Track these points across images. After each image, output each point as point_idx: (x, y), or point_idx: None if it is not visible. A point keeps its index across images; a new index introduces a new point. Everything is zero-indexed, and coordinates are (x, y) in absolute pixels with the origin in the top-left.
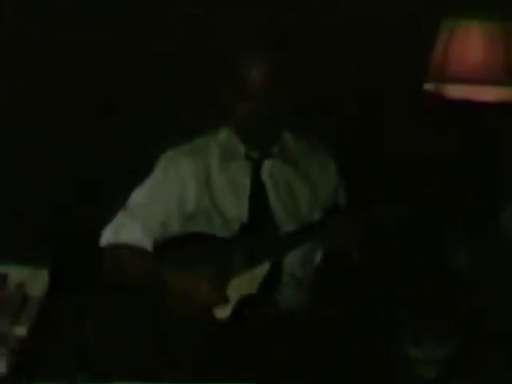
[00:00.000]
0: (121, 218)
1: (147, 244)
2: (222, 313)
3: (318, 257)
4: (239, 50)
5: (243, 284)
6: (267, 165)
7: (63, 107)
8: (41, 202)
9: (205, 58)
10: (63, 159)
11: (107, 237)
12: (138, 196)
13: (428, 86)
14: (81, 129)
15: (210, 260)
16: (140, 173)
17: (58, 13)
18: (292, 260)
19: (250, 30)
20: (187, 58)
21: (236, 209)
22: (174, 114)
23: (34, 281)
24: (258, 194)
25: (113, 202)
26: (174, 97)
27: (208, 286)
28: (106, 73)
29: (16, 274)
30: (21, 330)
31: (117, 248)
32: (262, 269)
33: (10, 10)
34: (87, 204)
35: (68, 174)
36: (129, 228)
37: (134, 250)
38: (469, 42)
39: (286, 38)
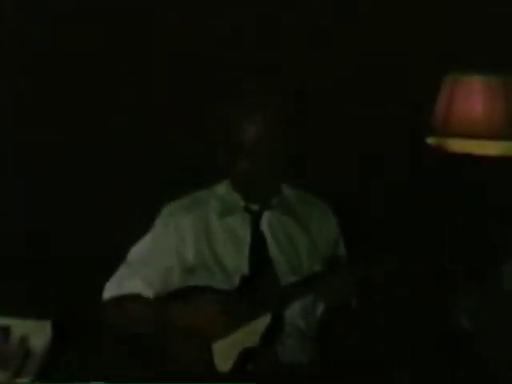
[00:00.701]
0: (122, 272)
1: (149, 294)
2: (224, 366)
3: (320, 308)
4: (235, 107)
5: (245, 337)
6: (267, 216)
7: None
8: (43, 254)
9: (203, 117)
10: (64, 209)
11: (110, 291)
12: (138, 251)
13: (430, 140)
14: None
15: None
16: (140, 224)
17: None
18: (293, 311)
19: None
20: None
21: (236, 261)
22: (173, 167)
23: (37, 333)
24: (258, 245)
25: (114, 253)
26: (174, 150)
27: (213, 314)
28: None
29: (19, 326)
30: (23, 382)
31: (120, 300)
32: (264, 321)
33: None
34: (89, 256)
35: (68, 227)
36: (130, 281)
37: (137, 299)
38: (471, 97)
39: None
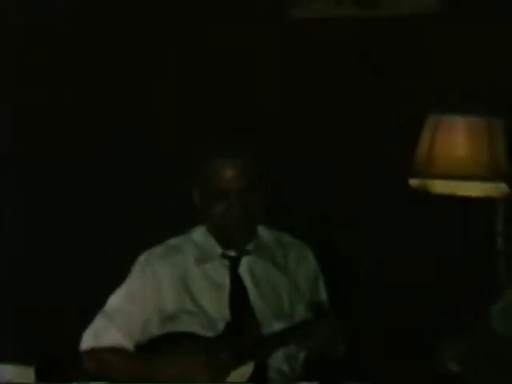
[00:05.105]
0: (99, 322)
1: (129, 345)
2: None
3: (302, 353)
4: (212, 153)
5: None
6: (245, 262)
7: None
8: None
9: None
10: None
11: (88, 341)
12: (115, 300)
13: (413, 182)
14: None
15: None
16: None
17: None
18: (277, 356)
19: None
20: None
21: (218, 308)
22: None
23: (21, 379)
24: (237, 291)
25: (93, 302)
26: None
27: (196, 366)
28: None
29: (3, 371)
30: None
31: (98, 352)
32: (247, 370)
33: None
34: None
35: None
36: (109, 332)
37: (117, 351)
38: (453, 138)
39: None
